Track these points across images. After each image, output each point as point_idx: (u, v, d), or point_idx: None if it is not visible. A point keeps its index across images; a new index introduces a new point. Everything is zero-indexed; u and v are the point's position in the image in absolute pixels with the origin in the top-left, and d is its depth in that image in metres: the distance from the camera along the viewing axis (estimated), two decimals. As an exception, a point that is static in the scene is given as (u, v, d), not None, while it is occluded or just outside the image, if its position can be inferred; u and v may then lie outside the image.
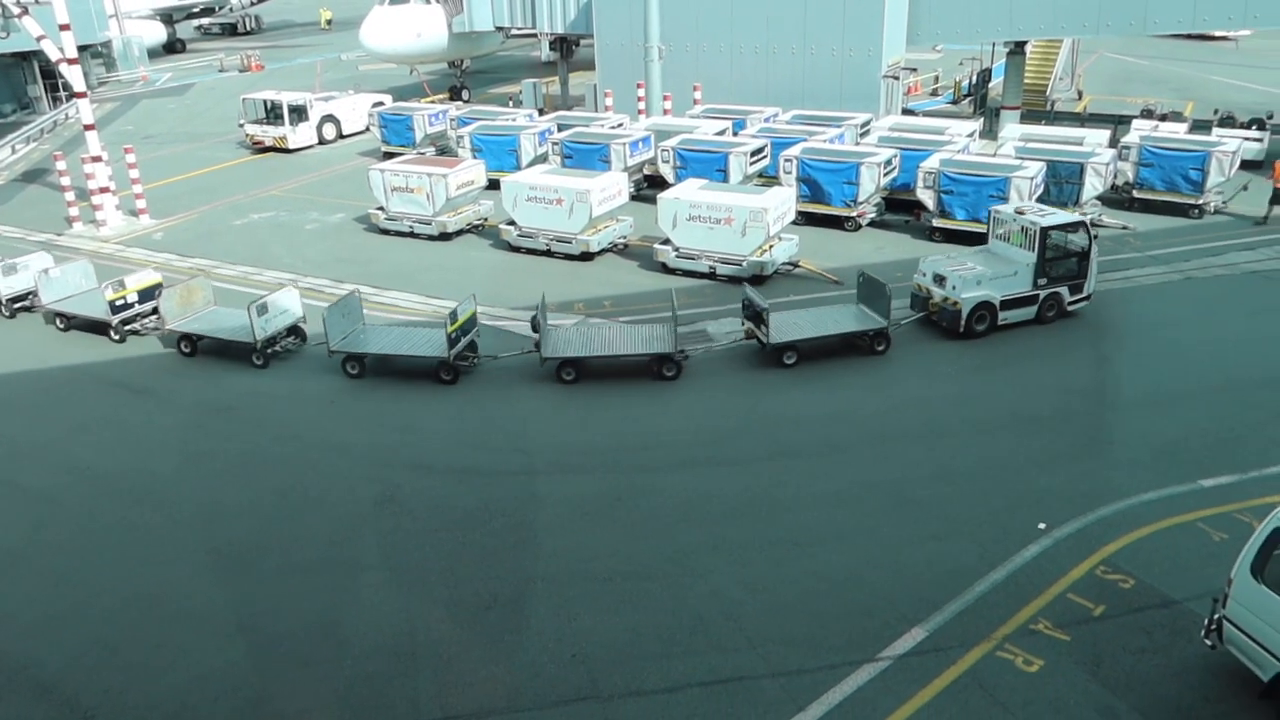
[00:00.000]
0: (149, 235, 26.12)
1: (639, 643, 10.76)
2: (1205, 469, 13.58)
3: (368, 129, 35.00)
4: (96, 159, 26.26)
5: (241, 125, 35.44)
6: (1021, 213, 18.63)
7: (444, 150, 31.21)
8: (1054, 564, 11.75)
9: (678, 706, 9.89)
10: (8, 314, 20.92)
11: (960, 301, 17.82)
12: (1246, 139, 26.85)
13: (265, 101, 35.30)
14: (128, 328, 19.36)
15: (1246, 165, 25.53)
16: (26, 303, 20.98)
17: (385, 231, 25.14)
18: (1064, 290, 18.50)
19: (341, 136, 36.28)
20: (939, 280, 18.27)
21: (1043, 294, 18.34)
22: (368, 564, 12.42)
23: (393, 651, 10.81)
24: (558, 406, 16.32)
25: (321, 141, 35.56)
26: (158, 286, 19.54)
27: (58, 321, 20.14)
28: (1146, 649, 10.39)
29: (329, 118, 35.86)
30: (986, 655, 10.36)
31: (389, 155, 30.85)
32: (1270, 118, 29.47)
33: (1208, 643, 9.89)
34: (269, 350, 18.02)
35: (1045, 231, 18.03)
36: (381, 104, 35.59)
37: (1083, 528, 12.40)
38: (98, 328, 19.52)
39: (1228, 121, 29.02)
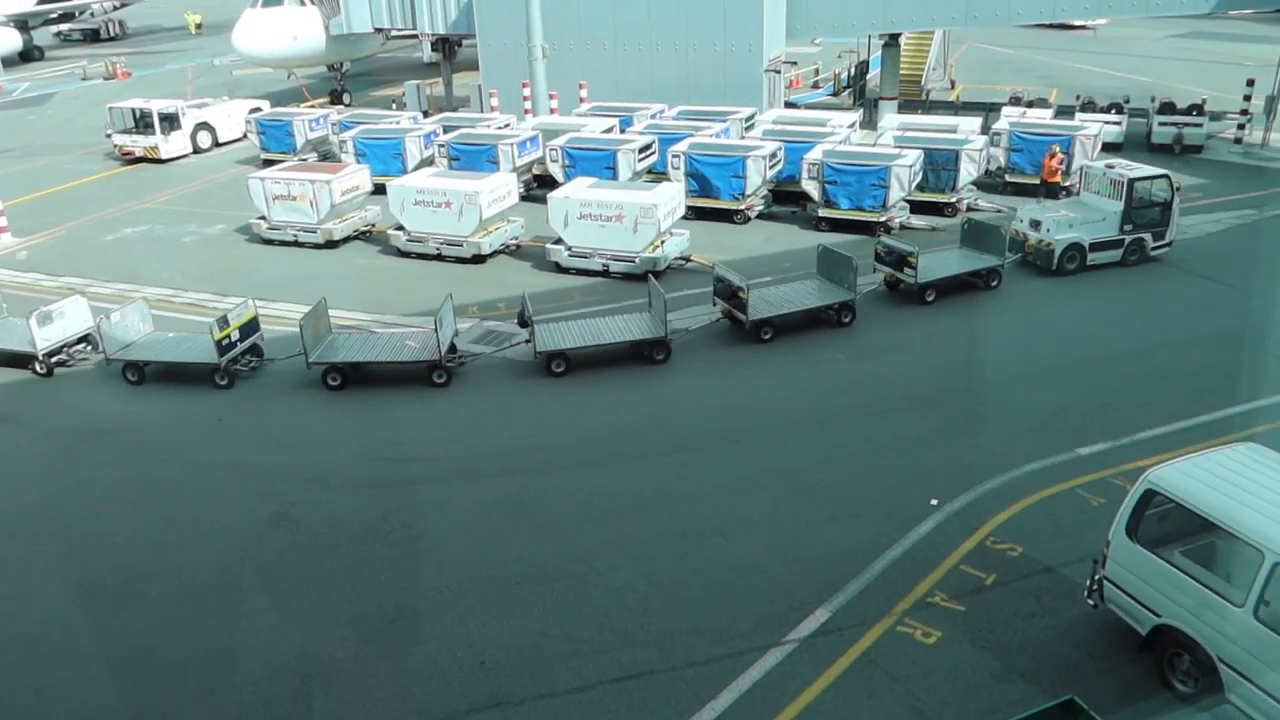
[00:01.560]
0: (12, 255, 24.70)
1: (547, 645, 10.71)
2: (1082, 438, 14.26)
3: (245, 136, 33.79)
4: (-52, 176, 24.70)
5: (109, 135, 33.77)
6: (1111, 167, 21.00)
7: (326, 156, 30.43)
8: (947, 538, 12.16)
9: (590, 705, 9.89)
10: (43, 370, 17.89)
11: (1054, 243, 20.22)
12: (1106, 123, 28.24)
13: (134, 110, 33.71)
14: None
15: (1108, 147, 26.91)
16: (75, 355, 18.24)
17: (268, 241, 24.35)
18: (1148, 237, 20.66)
19: (218, 145, 34.95)
20: (1035, 225, 20.73)
21: (1128, 239, 20.57)
22: (263, 585, 12.02)
23: (294, 673, 10.49)
24: (451, 413, 16.10)
25: (196, 150, 34.20)
26: (255, 320, 17.77)
27: (128, 374, 17.56)
28: (1035, 613, 10.85)
29: (203, 125, 34.51)
30: (887, 631, 10.66)
31: (269, 162, 29.84)
32: (1127, 101, 31.09)
33: (1090, 603, 10.40)
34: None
35: (1132, 183, 20.23)
36: (259, 110, 34.44)
37: (972, 501, 12.88)
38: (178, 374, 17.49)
39: (1089, 106, 30.49)
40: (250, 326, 17.51)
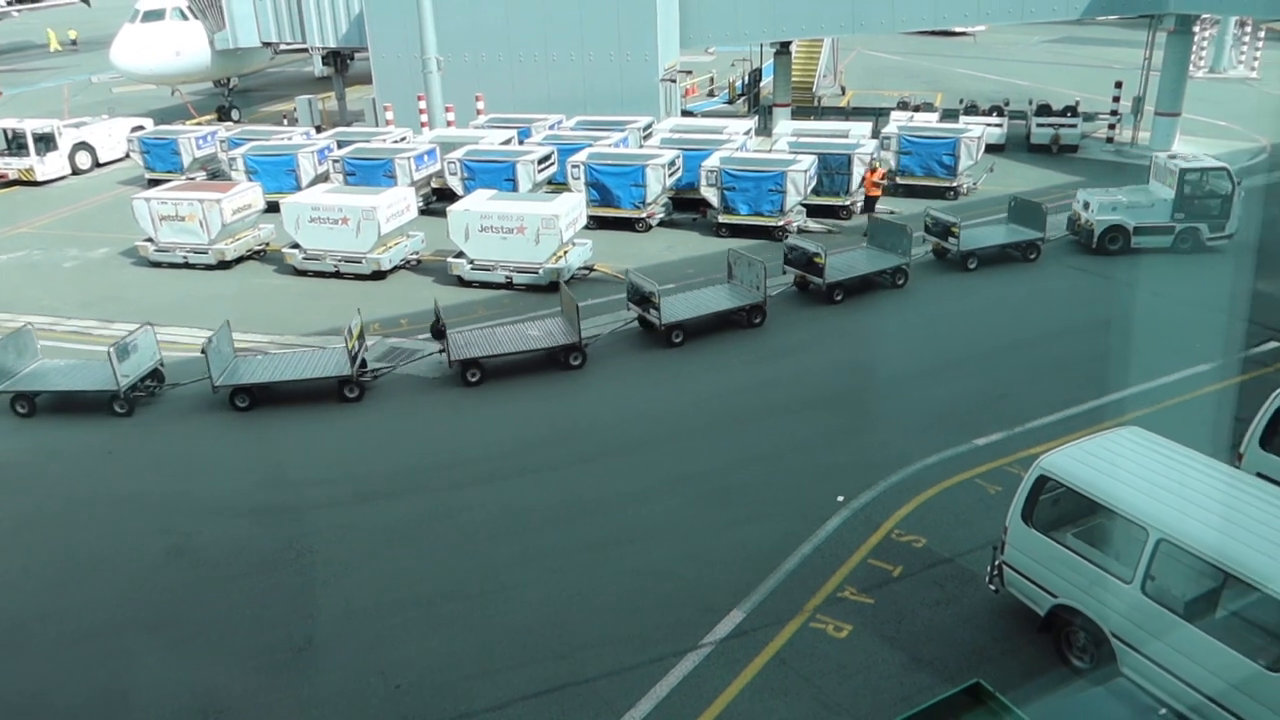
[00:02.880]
0: (-128, 287, 23.22)
1: (463, 664, 10.56)
2: (978, 429, 14.76)
3: (128, 156, 32.50)
4: None
5: (-22, 158, 32.09)
6: (1172, 157, 22.02)
7: (216, 174, 29.50)
8: (854, 533, 12.44)
9: (509, 723, 9.78)
10: (123, 410, 16.47)
11: (1094, 223, 21.12)
12: (989, 125, 29.44)
13: (5, 130, 32.05)
14: None
15: (991, 149, 28.06)
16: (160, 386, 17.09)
17: (157, 264, 23.46)
18: (1203, 227, 21.23)
19: (98, 165, 33.50)
20: (1086, 206, 21.71)
21: (1179, 227, 21.23)
22: (162, 621, 11.54)
23: (197, 712, 10.08)
24: (358, 432, 15.77)
25: (75, 171, 32.70)
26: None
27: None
28: (941, 601, 11.18)
29: (82, 145, 33.01)
30: (800, 628, 10.83)
31: (155, 182, 28.76)
32: (1007, 104, 32.42)
33: (991, 588, 10.78)
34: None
35: (1183, 173, 20.97)
36: (141, 128, 33.16)
37: (876, 496, 13.20)
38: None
39: (972, 110, 31.72)
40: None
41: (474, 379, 16.91)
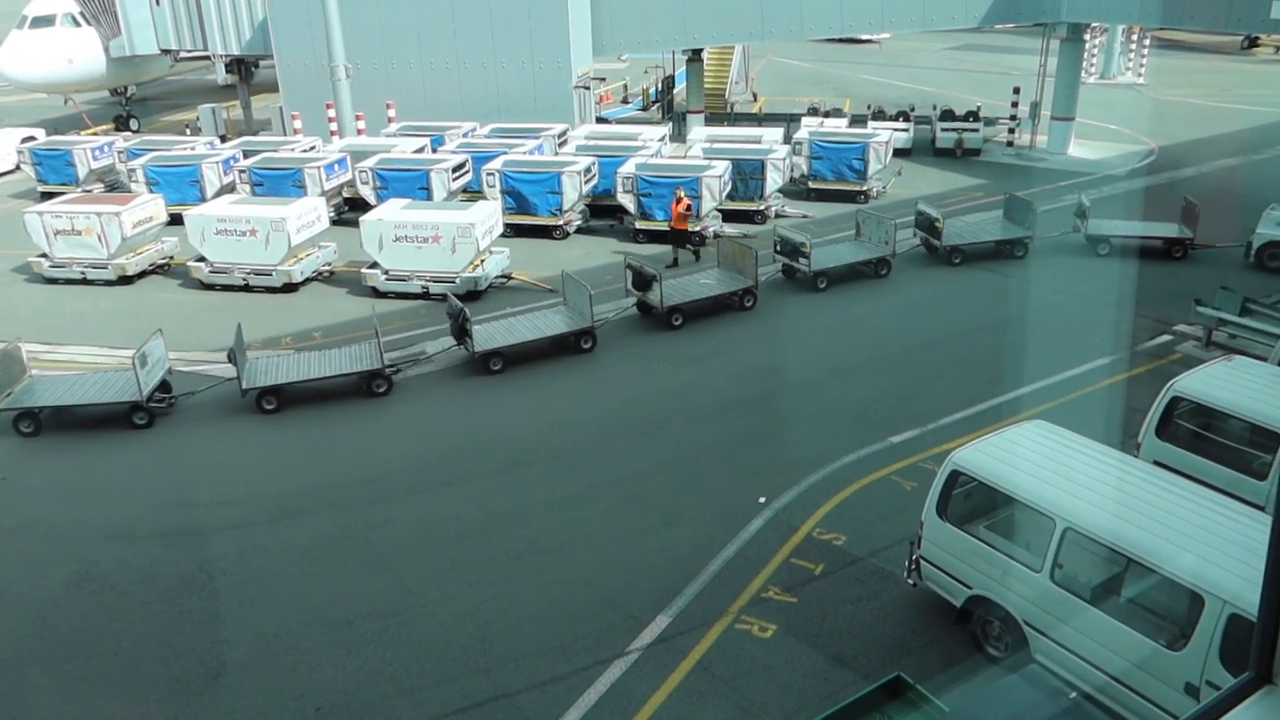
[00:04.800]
0: None
1: (385, 683, 10.34)
2: (892, 427, 15.10)
3: (18, 168, 31.08)
4: None
5: None
6: None
7: (114, 186, 28.44)
8: (776, 533, 12.59)
9: (434, 740, 9.62)
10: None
11: (1254, 237, 21.14)
12: (896, 130, 30.21)
13: (-119, 143, 30.47)
14: None
15: (898, 153, 28.76)
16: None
17: (52, 280, 22.50)
18: None
19: (-15, 178, 32.04)
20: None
21: None
22: (65, 654, 11.02)
23: (106, 746, 9.68)
24: (266, 446, 15.36)
25: (-40, 185, 31.22)
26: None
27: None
28: (862, 597, 11.39)
29: (-33, 157, 31.55)
30: (726, 629, 10.91)
31: (47, 195, 27.55)
32: (913, 110, 33.34)
33: (910, 582, 11.02)
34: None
35: None
36: (33, 139, 31.79)
37: (797, 496, 13.39)
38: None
39: (880, 115, 32.52)
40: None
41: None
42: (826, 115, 32.36)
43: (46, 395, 15.93)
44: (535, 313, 18.89)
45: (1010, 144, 32.80)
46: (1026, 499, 9.77)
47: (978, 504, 10.65)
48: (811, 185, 27.09)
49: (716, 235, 23.83)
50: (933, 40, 55.49)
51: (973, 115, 32.03)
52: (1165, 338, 18.06)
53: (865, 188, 26.77)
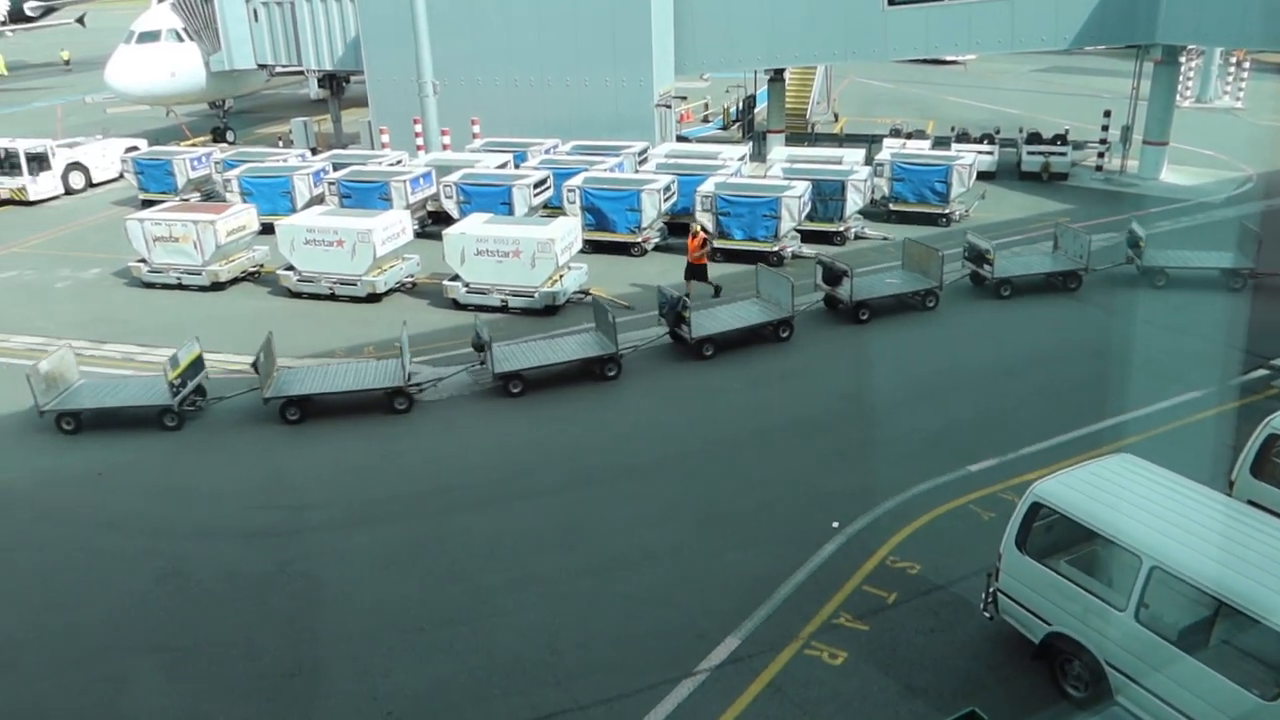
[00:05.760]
0: None
1: (454, 691, 10.49)
2: (971, 455, 14.79)
3: (121, 176, 32.55)
4: None
5: (-30, 178, 32.09)
6: None
7: (210, 195, 29.52)
8: (849, 560, 12.43)
9: (501, 750, 9.71)
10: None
11: None
12: (980, 152, 29.70)
13: (-2, 150, 32.16)
14: None
15: (982, 176, 28.28)
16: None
17: (150, 285, 23.45)
18: None
19: (91, 185, 33.53)
20: None
21: None
22: (152, 646, 11.44)
23: (188, 738, 10.00)
24: (347, 456, 15.72)
25: (68, 191, 32.74)
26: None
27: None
28: (935, 628, 11.17)
29: (76, 165, 33.08)
30: (796, 654, 10.79)
31: (148, 203, 28.82)
32: (998, 132, 32.75)
33: (986, 615, 10.77)
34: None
35: None
36: (135, 149, 33.19)
37: (871, 522, 13.20)
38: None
39: (963, 137, 31.98)
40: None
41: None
42: (909, 137, 31.97)
43: (89, 398, 16.70)
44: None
45: (1099, 169, 31.97)
46: (1111, 535, 9.49)
47: (1059, 538, 10.36)
48: (892, 207, 26.78)
49: (795, 256, 23.72)
50: (1020, 62, 54.49)
51: (1060, 138, 31.33)
52: (1261, 372, 17.36)
53: (947, 210, 26.37)
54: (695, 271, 21.14)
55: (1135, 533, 9.32)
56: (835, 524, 13.14)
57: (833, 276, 20.03)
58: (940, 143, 31.06)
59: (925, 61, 49.98)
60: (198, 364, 16.99)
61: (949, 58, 52.72)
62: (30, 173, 31.50)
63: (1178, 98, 32.58)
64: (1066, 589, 9.82)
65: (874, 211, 26.73)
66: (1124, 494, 9.89)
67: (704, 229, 24.05)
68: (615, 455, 15.37)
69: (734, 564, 12.48)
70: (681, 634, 11.18)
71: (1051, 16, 29.71)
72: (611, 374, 17.82)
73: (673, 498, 14.09)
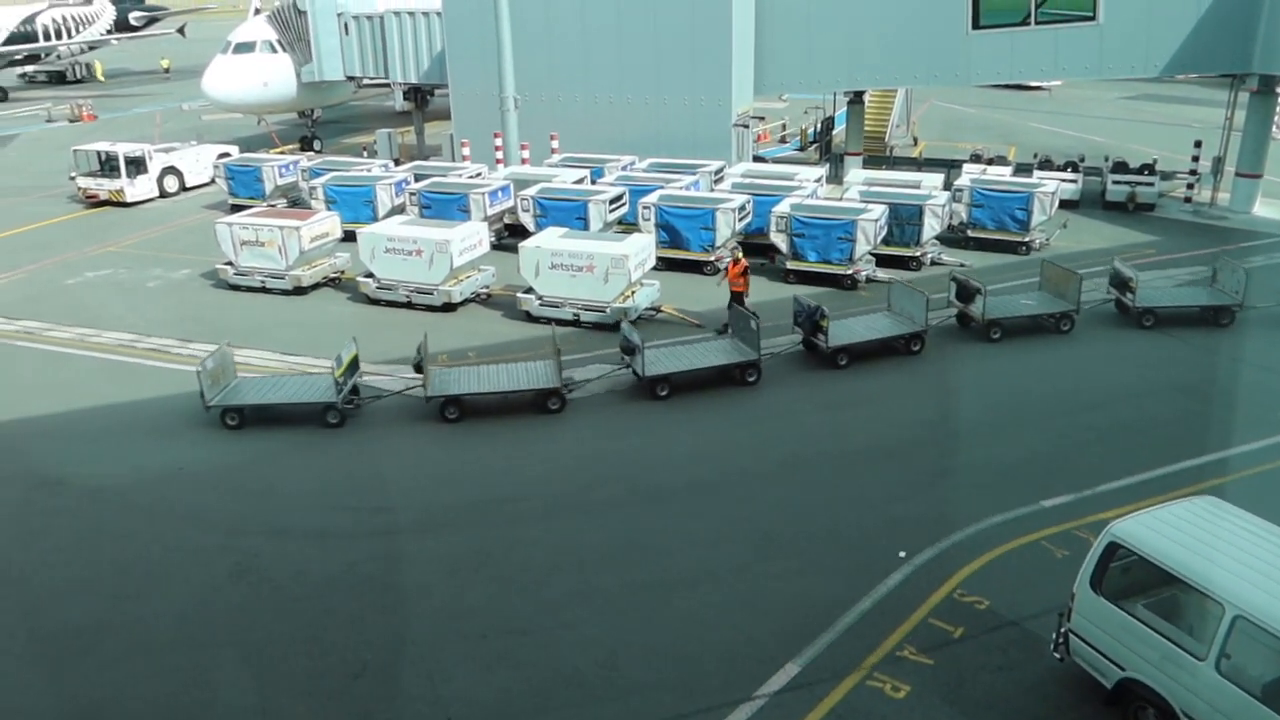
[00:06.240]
0: (-31, 297, 24.33)
1: (515, 700, 10.56)
2: (1045, 490, 14.42)
3: (213, 181, 33.71)
4: (-93, 217, 24.35)
5: (73, 178, 33.53)
6: None
7: (296, 202, 30.38)
8: (915, 591, 12.21)
9: (557, 763, 9.74)
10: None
11: None
12: (1063, 180, 29.05)
13: (99, 153, 33.54)
14: None
15: (1065, 205, 27.64)
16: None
17: (235, 287, 24.21)
18: None
19: (185, 189, 34.77)
20: None
21: None
22: (222, 640, 11.76)
23: (254, 731, 10.25)
24: (419, 460, 15.99)
25: (163, 194, 34.01)
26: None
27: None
28: (1003, 666, 10.89)
29: (170, 169, 34.34)
30: (857, 685, 10.63)
31: (237, 208, 29.78)
32: (1082, 160, 31.99)
33: (1057, 656, 10.47)
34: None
35: None
36: (227, 155, 34.38)
37: (939, 553, 12.95)
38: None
39: (1046, 164, 31.30)
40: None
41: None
42: (990, 162, 31.39)
43: (251, 394, 17.28)
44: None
45: (1188, 200, 30.98)
46: (1193, 580, 9.16)
47: (1137, 580, 10.03)
48: (970, 233, 26.32)
49: (870, 280, 23.47)
50: (1107, 89, 53.20)
51: (1148, 168, 30.46)
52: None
53: (1027, 239, 25.83)
54: (734, 298, 20.80)
55: (1219, 579, 8.99)
56: (902, 553, 12.92)
57: (966, 293, 20.07)
58: (1022, 169, 30.45)
59: (1009, 86, 49.13)
60: (354, 364, 17.51)
61: (1033, 83, 51.73)
62: (128, 175, 32.82)
63: (1274, 129, 31.42)
64: (1143, 634, 9.50)
65: (951, 237, 26.33)
66: (1208, 538, 9.56)
67: (777, 250, 24.01)
68: (675, 472, 15.33)
69: (797, 588, 12.35)
70: (741, 656, 11.10)
71: (1143, 43, 28.99)
72: (752, 379, 18.13)
73: (735, 517, 13.98)
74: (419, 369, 17.22)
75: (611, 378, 18.39)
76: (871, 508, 14.22)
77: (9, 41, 61.84)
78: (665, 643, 11.40)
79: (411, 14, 36.31)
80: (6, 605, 12.50)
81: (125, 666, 11.28)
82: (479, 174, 29.14)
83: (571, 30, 32.14)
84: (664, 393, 17.79)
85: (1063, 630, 10.33)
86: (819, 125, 38.97)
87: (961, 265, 24.79)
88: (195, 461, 16.10)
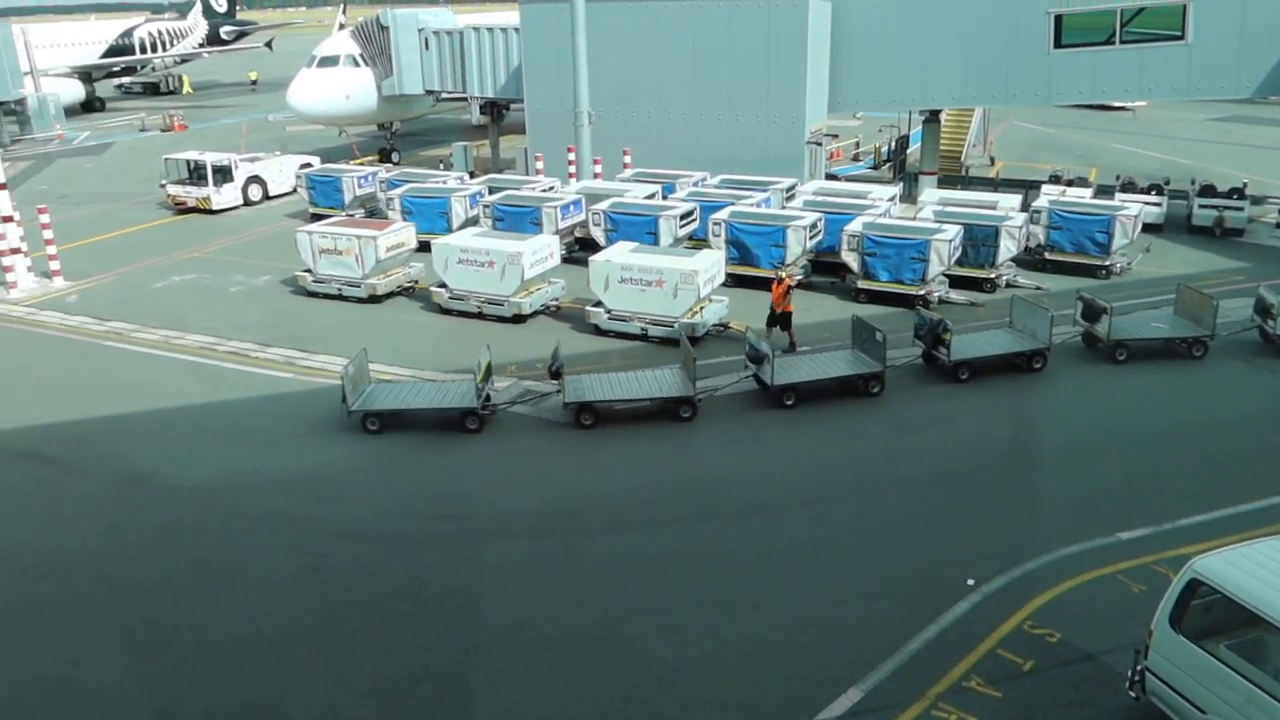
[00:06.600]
0: (62, 298, 25.35)
1: (573, 714, 10.57)
2: (1122, 522, 13.98)
3: (295, 190, 34.68)
4: (7, 219, 25.48)
5: (163, 186, 34.80)
6: None
7: (373, 212, 31.06)
8: (983, 620, 11.92)
9: (615, 778, 9.72)
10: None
11: None
12: (1147, 204, 28.25)
13: (188, 162, 34.76)
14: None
15: (1148, 228, 26.86)
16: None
17: (313, 294, 24.83)
18: None
19: (268, 198, 35.86)
20: None
21: None
22: (291, 639, 12.01)
23: (320, 730, 10.43)
24: (486, 470, 16.15)
25: (247, 203, 35.10)
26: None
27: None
28: (1075, 702, 10.57)
29: (255, 179, 35.45)
30: (922, 714, 10.41)
31: (317, 217, 30.57)
32: (1167, 183, 31.08)
33: (1132, 694, 10.11)
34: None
35: None
36: (309, 165, 35.34)
37: (1009, 583, 12.63)
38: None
39: (1129, 187, 30.47)
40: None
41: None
42: (1069, 184, 30.66)
43: (390, 399, 17.52)
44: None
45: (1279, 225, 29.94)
46: (1281, 622, 8.78)
47: (1219, 619, 9.64)
48: (1048, 256, 25.74)
49: (942, 300, 23.10)
50: (1195, 110, 51.69)
51: (1237, 192, 29.45)
52: None
53: (1108, 262, 25.16)
54: (779, 319, 20.67)
55: (1309, 622, 8.60)
56: (970, 581, 12.64)
57: (1092, 313, 19.77)
58: (1103, 191, 29.71)
59: (1091, 106, 47.99)
60: (489, 371, 17.79)
61: (1116, 103, 50.50)
62: (215, 184, 33.95)
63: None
64: (1226, 676, 9.13)
65: (1028, 259, 25.78)
66: (1297, 578, 9.15)
67: (848, 269, 23.76)
68: (740, 490, 15.23)
69: (862, 612, 12.17)
70: (803, 679, 10.96)
71: (1234, 63, 28.09)
72: (875, 390, 18.25)
73: (800, 537, 13.85)
74: (556, 375, 17.45)
75: (733, 387, 18.44)
76: (940, 532, 13.92)
77: (108, 54, 64.58)
78: (725, 662, 11.30)
79: (490, 30, 36.99)
80: (91, 596, 12.95)
81: (200, 661, 11.57)
82: (552, 188, 29.46)
83: (646, 46, 32.38)
84: (790, 401, 17.83)
85: (1139, 668, 9.98)
86: (893, 144, 38.56)
87: (1038, 288, 24.26)
88: (262, 465, 16.48)
